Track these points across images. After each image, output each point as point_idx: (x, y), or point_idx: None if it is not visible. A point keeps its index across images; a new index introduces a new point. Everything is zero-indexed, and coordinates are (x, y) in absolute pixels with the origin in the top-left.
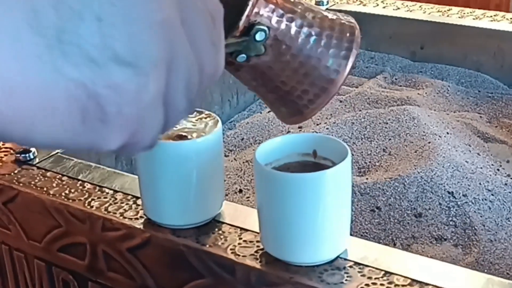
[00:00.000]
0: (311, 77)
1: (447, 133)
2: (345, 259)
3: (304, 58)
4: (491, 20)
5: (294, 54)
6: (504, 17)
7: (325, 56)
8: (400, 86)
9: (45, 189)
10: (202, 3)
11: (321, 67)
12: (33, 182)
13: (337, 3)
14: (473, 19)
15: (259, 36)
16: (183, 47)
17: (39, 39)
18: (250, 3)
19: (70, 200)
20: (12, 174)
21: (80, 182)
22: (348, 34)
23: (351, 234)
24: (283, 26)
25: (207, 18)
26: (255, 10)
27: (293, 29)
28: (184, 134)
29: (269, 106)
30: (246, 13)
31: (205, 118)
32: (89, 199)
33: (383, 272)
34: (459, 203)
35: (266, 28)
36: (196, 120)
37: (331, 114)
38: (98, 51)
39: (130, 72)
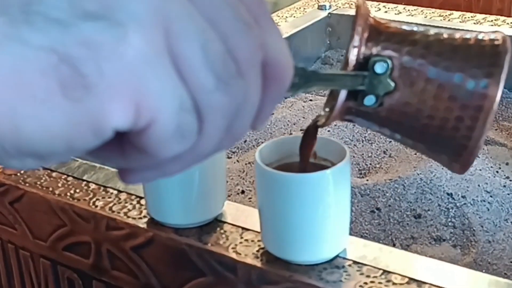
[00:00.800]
0: (459, 98)
1: None
2: (344, 258)
3: (443, 79)
4: (492, 25)
5: (429, 79)
6: (505, 22)
7: (467, 69)
8: None
9: (50, 189)
10: None
11: (466, 83)
12: (39, 182)
13: (339, 7)
14: (474, 23)
15: (380, 68)
16: (186, 10)
17: (3, 18)
18: (355, 33)
19: (75, 200)
20: (18, 174)
21: (85, 182)
22: (490, 49)
23: (351, 234)
24: (406, 51)
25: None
26: (369, 43)
27: (419, 51)
28: None
29: (429, 156)
30: (352, 43)
31: None
32: (94, 199)
33: (381, 271)
34: (458, 204)
35: (386, 59)
36: None
37: None
38: (66, 12)
39: (103, 24)
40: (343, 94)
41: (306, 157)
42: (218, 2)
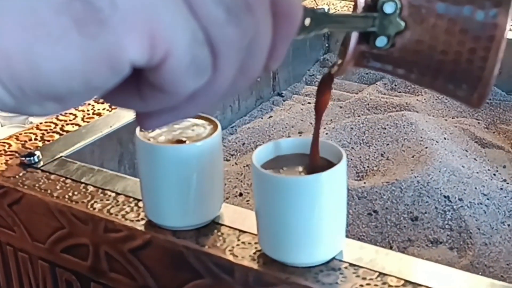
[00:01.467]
0: (470, 31)
1: (445, 138)
2: (341, 260)
3: (452, 13)
4: None
5: (439, 14)
6: None
7: (475, 0)
8: (400, 92)
9: (49, 191)
10: None
11: (476, 15)
12: (37, 185)
13: (338, 10)
14: None
15: (389, 8)
16: None
17: None
18: None
19: (74, 202)
20: (17, 177)
21: (83, 185)
22: None
23: (348, 237)
24: None
25: None
26: None
27: None
28: (184, 139)
29: (445, 94)
30: None
31: (205, 122)
32: (92, 202)
33: (377, 273)
34: (454, 207)
35: None
36: (196, 124)
37: (330, 120)
38: None
39: None
40: (354, 37)
41: (321, 112)
42: None
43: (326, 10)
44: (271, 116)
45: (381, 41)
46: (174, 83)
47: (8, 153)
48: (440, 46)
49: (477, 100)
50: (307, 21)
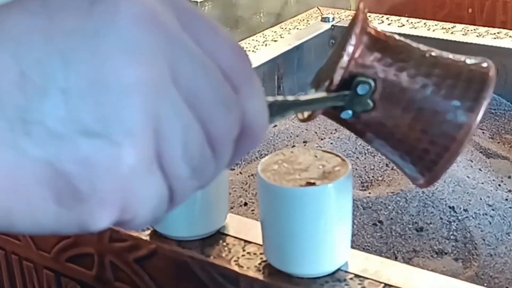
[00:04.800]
0: (430, 134)
1: None
2: (346, 271)
3: (418, 112)
4: (495, 38)
5: (406, 109)
6: (507, 35)
7: (445, 110)
8: None
9: None
10: (208, 57)
11: (439, 121)
12: None
13: (343, 20)
14: (477, 36)
15: (361, 90)
16: (174, 108)
17: (3, 124)
18: (345, 54)
19: None
20: None
21: None
22: (477, 82)
23: (353, 247)
24: (391, 76)
25: (213, 75)
26: (357, 60)
27: (404, 80)
28: None
29: (398, 168)
30: (340, 64)
31: None
32: None
33: (382, 285)
34: (459, 217)
35: (370, 81)
36: None
37: (335, 129)
38: (64, 125)
39: (100, 143)
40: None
41: None
42: (202, 83)
43: (294, 96)
44: (275, 125)
45: (346, 115)
46: (133, 229)
47: None
48: (399, 135)
49: (424, 184)
50: (273, 110)
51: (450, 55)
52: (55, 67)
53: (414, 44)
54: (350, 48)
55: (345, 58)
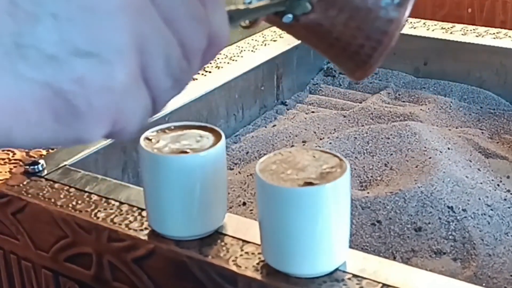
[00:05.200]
0: (364, 30)
1: (448, 148)
2: (344, 271)
3: (353, 10)
4: (494, 37)
5: (342, 8)
6: (507, 35)
7: (377, 7)
8: (403, 101)
9: (53, 200)
10: None
11: (372, 18)
12: (41, 194)
13: None
14: (476, 36)
15: None
16: (155, 25)
17: None
18: None
19: (77, 211)
20: (21, 185)
21: (87, 193)
22: None
23: (351, 247)
24: None
25: None
26: None
27: None
28: (188, 149)
29: (333, 63)
30: None
31: (209, 132)
32: (96, 211)
33: (380, 285)
34: (458, 217)
35: None
36: (200, 135)
37: (334, 129)
38: (58, 47)
39: (93, 62)
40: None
41: None
42: (176, 2)
43: (244, 5)
44: (274, 125)
45: (287, 18)
46: (122, 138)
47: (12, 161)
48: (336, 34)
49: (359, 76)
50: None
51: None
52: None
53: None
54: None
55: None
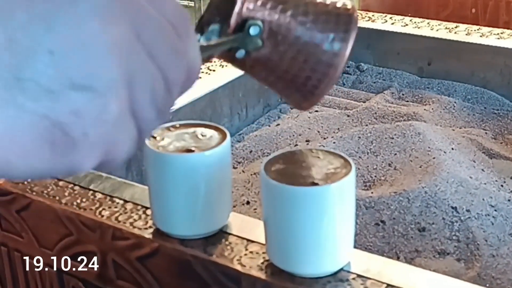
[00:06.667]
0: (311, 63)
1: (452, 148)
2: (348, 272)
3: (301, 45)
4: (498, 38)
5: (291, 43)
6: (511, 35)
7: (322, 41)
8: (407, 101)
9: (57, 198)
10: (159, 14)
11: (319, 52)
12: (45, 191)
13: None
14: (480, 36)
15: (253, 31)
16: (142, 61)
17: (0, 83)
18: (239, 2)
19: (82, 209)
20: (25, 183)
21: (91, 192)
22: (345, 17)
23: (355, 247)
24: (276, 17)
25: (165, 28)
26: (247, 5)
27: (287, 19)
28: (193, 148)
29: (280, 95)
30: (236, 10)
31: (214, 131)
32: (100, 209)
33: (385, 285)
34: (462, 218)
35: (259, 22)
36: (205, 134)
37: (338, 129)
38: (55, 81)
39: (89, 95)
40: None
41: None
42: (159, 38)
43: (205, 41)
44: (278, 124)
45: (240, 53)
46: (110, 169)
47: None
48: (284, 67)
49: (306, 106)
50: None
51: None
52: (39, 30)
53: None
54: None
55: (239, 5)
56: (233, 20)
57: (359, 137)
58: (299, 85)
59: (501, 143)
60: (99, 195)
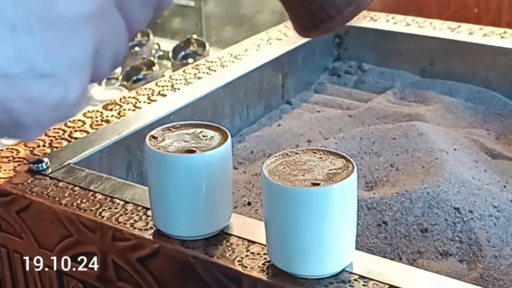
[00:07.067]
0: (319, 1)
1: (455, 149)
2: (350, 273)
3: None
4: (501, 38)
5: None
6: None
7: None
8: (409, 102)
9: (57, 199)
10: None
11: None
12: (45, 192)
13: None
14: (483, 36)
15: None
16: (114, 26)
17: None
18: None
19: (82, 210)
20: (25, 183)
21: (91, 192)
22: None
23: (357, 248)
24: None
25: None
26: None
27: None
28: (194, 149)
29: (289, 13)
30: None
31: (215, 131)
32: (100, 210)
33: (387, 286)
34: (464, 219)
35: None
36: (206, 134)
37: (340, 129)
38: (13, 65)
39: (48, 83)
40: None
41: None
42: None
43: None
44: (279, 125)
45: None
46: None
47: (16, 159)
48: None
49: (314, 34)
50: None
51: None
52: (4, 2)
53: None
54: None
55: None
56: None
57: (361, 138)
58: (315, 8)
59: (504, 143)
60: (99, 196)
